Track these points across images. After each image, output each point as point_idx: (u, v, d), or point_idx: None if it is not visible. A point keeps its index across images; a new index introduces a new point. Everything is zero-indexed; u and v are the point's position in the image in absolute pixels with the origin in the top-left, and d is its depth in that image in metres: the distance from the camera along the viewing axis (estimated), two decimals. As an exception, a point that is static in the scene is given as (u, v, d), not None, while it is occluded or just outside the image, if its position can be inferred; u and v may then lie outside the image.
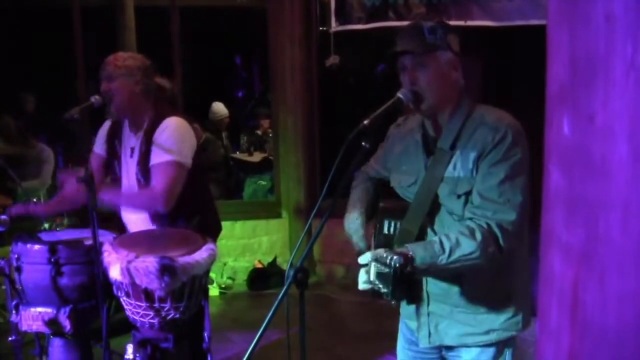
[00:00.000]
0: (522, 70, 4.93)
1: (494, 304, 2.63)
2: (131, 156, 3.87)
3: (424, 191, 2.57)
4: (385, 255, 2.29)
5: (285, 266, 7.09)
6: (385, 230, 2.65)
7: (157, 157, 3.71)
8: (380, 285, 2.33)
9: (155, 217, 3.82)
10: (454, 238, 2.40)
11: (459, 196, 2.51)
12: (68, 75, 7.20)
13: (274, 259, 7.14)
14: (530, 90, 4.65)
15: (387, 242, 2.63)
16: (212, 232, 3.88)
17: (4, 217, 3.83)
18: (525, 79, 4.88)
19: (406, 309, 2.84)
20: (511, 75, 5.14)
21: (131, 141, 3.89)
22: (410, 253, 2.38)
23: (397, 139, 2.84)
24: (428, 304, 2.73)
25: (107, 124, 4.10)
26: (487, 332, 2.65)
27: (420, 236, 2.60)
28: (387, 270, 2.28)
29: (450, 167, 2.51)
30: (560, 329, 0.90)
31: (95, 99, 3.64)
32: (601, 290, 0.82)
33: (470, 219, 2.46)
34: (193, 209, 3.86)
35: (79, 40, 6.83)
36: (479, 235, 2.39)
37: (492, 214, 2.42)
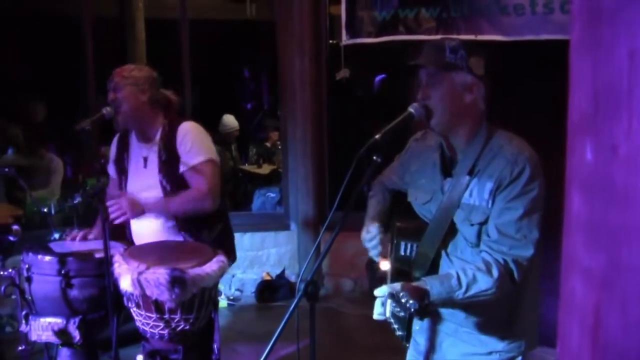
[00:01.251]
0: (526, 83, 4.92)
1: (499, 327, 2.64)
2: (145, 166, 3.91)
3: (442, 215, 2.57)
4: (401, 295, 2.28)
5: (293, 278, 7.10)
6: (402, 252, 2.65)
7: (189, 162, 3.79)
8: (395, 326, 2.34)
9: (182, 225, 3.86)
10: (470, 274, 2.40)
11: (472, 225, 2.51)
12: (78, 85, 7.23)
13: (282, 271, 7.13)
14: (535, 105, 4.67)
15: (404, 264, 2.64)
16: (230, 241, 3.91)
17: (15, 227, 3.84)
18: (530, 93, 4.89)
19: (415, 323, 2.85)
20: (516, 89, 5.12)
21: (142, 152, 3.93)
22: (427, 287, 2.39)
23: (415, 154, 2.84)
24: (434, 321, 2.75)
25: (114, 142, 4.15)
26: (489, 353, 2.65)
27: (436, 259, 2.62)
28: (402, 313, 2.28)
29: (467, 193, 2.51)
30: (582, 351, 0.91)
31: (106, 110, 3.69)
32: (622, 315, 0.83)
33: (487, 252, 2.46)
34: (215, 217, 3.91)
35: (90, 51, 6.86)
36: (495, 272, 2.39)
37: (509, 249, 2.42)
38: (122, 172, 4.04)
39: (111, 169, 4.16)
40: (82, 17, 6.84)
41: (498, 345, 2.64)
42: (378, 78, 8.80)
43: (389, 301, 2.32)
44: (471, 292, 2.39)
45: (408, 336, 2.33)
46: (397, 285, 2.35)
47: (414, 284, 2.43)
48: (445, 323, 2.71)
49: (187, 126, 3.87)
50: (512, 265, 2.41)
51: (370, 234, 2.71)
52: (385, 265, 2.69)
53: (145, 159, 3.91)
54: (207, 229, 3.88)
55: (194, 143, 3.80)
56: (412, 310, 2.24)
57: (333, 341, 5.72)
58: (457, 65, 2.48)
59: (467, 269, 2.43)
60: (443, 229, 2.57)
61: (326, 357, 5.30)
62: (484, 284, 2.39)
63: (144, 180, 3.91)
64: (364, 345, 5.72)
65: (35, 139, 7.66)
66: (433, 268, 2.63)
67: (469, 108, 2.52)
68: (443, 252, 2.63)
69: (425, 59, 2.53)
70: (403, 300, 2.26)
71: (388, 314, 2.34)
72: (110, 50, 8.95)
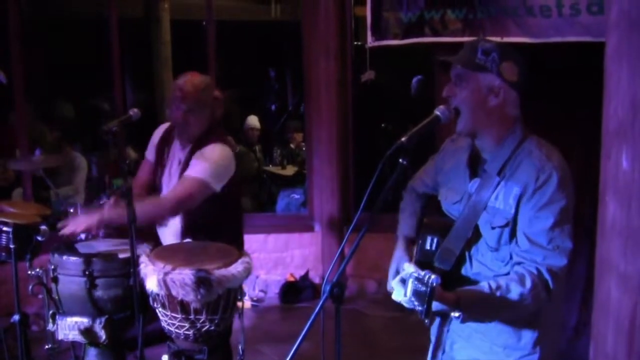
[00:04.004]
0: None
1: (514, 338, 2.58)
2: (176, 167, 4.01)
3: (469, 214, 2.56)
4: (423, 272, 2.27)
5: (317, 280, 7.10)
6: (427, 246, 2.64)
7: (188, 172, 3.80)
8: (416, 303, 2.31)
9: (185, 229, 3.91)
10: (504, 284, 2.37)
11: (493, 228, 2.49)
12: (105, 86, 7.27)
13: (306, 273, 7.13)
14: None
15: (427, 257, 2.63)
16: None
17: (43, 227, 3.87)
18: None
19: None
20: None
21: (178, 153, 4.04)
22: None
23: (448, 155, 2.83)
24: (451, 321, 2.73)
25: (161, 129, 4.21)
26: None
27: (460, 258, 2.60)
28: (423, 288, 2.26)
29: (494, 196, 2.49)
30: (617, 354, 0.90)
31: (134, 112, 3.71)
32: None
33: (519, 263, 2.43)
34: (217, 226, 3.91)
35: (116, 52, 6.89)
36: (528, 283, 2.36)
37: (542, 259, 2.39)
38: (159, 163, 4.13)
39: (150, 152, 4.25)
40: (108, 18, 6.87)
41: (509, 356, 2.59)
42: (415, 79, 8.73)
43: (410, 280, 2.30)
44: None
45: (428, 311, 2.28)
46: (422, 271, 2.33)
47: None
48: (460, 325, 2.64)
49: (212, 146, 3.86)
50: (546, 275, 2.38)
51: (399, 260, 2.77)
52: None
53: (180, 161, 4.01)
54: (207, 236, 3.88)
55: (202, 160, 3.79)
56: (434, 284, 2.21)
57: (357, 343, 5.72)
58: (486, 67, 2.46)
59: (500, 280, 2.40)
60: (469, 228, 2.55)
61: (350, 359, 5.31)
62: (517, 295, 2.36)
63: (172, 180, 4.00)
64: (388, 347, 5.72)
65: (61, 138, 7.73)
66: (456, 267, 2.62)
67: (494, 112, 2.50)
68: (466, 253, 2.61)
69: (456, 58, 2.52)
70: (425, 278, 2.24)
71: (409, 294, 2.31)
72: (137, 50, 9.00)
